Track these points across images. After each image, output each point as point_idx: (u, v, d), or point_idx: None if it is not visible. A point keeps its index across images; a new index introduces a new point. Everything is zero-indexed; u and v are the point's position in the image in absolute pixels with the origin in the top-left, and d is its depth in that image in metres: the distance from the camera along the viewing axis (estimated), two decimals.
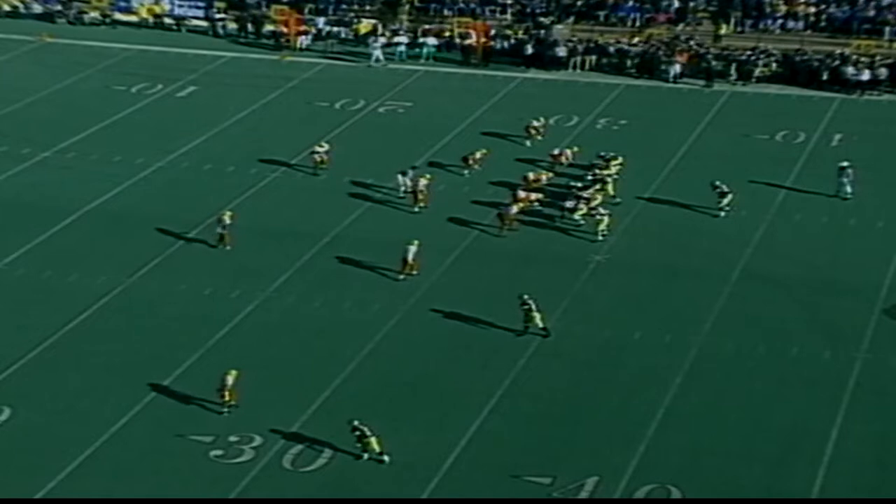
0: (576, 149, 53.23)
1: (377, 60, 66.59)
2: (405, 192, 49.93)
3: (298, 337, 40.84)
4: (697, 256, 45.44)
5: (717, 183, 48.52)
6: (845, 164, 49.85)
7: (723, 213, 47.90)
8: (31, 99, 61.96)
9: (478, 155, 52.45)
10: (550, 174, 51.15)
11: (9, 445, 35.53)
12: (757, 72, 62.85)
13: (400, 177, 50.22)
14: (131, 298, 43.29)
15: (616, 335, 40.50)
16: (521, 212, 47.70)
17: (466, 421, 36.10)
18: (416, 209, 48.89)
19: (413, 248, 43.82)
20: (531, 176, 50.37)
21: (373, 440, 34.33)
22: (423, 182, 49.35)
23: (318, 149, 52.70)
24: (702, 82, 62.93)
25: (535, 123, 55.63)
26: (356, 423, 34.55)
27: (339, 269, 44.62)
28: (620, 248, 46.09)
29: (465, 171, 52.01)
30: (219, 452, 34.96)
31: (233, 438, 35.42)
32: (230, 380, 36.55)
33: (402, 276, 43.75)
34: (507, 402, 37.18)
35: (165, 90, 63.32)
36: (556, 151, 52.78)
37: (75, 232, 48.19)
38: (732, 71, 63.14)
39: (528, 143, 55.15)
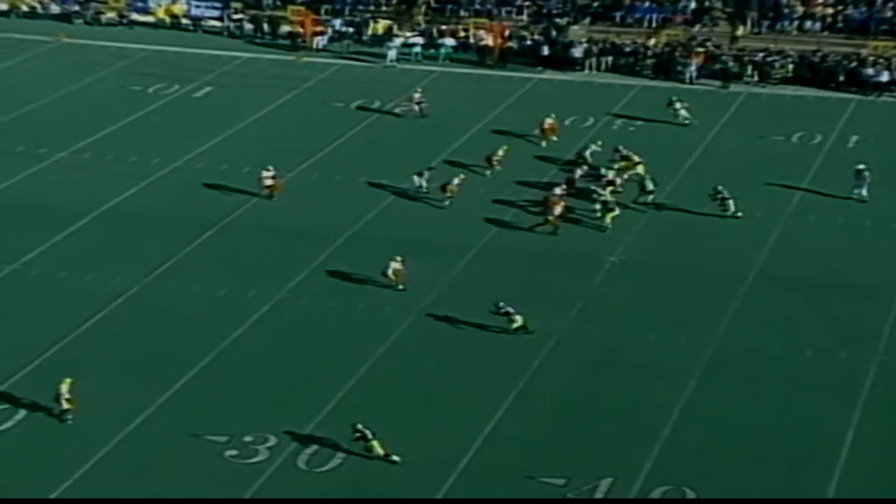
0: (600, 142, 53.25)
1: (391, 61, 66.63)
2: (421, 192, 49.99)
3: (313, 338, 40.87)
4: (712, 258, 45.37)
5: (719, 188, 48.22)
6: (862, 166, 49.70)
7: (728, 215, 47.59)
8: (47, 99, 62.07)
9: (500, 153, 52.43)
10: (585, 167, 51.35)
11: (24, 445, 35.61)
12: (776, 74, 62.73)
13: (416, 177, 50.26)
14: (146, 299, 43.36)
15: (630, 336, 40.46)
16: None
17: (480, 422, 36.09)
18: (447, 203, 49.09)
19: (394, 265, 43.35)
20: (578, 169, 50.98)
21: (374, 443, 34.36)
22: (455, 181, 49.53)
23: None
24: (718, 83, 62.88)
25: (549, 121, 55.54)
26: (359, 426, 34.61)
27: (354, 270, 44.59)
28: (635, 248, 46.05)
29: (488, 172, 52.02)
30: (233, 452, 34.98)
31: (247, 439, 35.44)
32: (64, 388, 36.34)
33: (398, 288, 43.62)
34: (522, 402, 37.17)
35: (182, 90, 63.43)
36: (578, 152, 52.77)
37: (91, 232, 48.28)
38: (750, 71, 63.10)
39: (543, 143, 55.13)
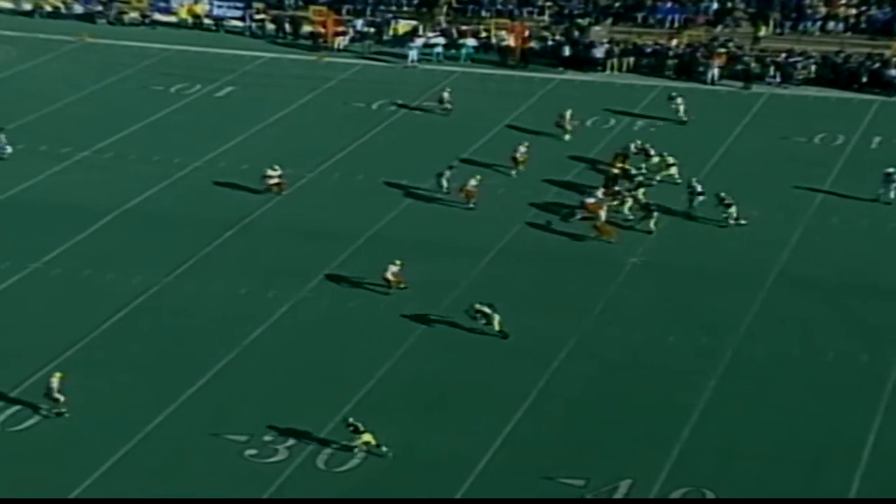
0: (639, 141, 53.15)
1: (413, 61, 66.66)
2: (443, 192, 49.98)
3: (333, 338, 40.90)
4: (733, 259, 45.27)
5: (723, 195, 47.83)
6: (891, 169, 49.36)
7: (732, 222, 47.27)
8: (70, 99, 62.26)
9: (522, 149, 52.27)
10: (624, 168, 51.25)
11: (45, 444, 35.72)
12: (798, 75, 62.52)
13: (437, 177, 50.26)
14: (167, 298, 43.44)
15: (650, 337, 40.39)
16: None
17: (500, 422, 36.06)
18: (472, 205, 48.94)
19: (393, 268, 43.24)
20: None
21: (366, 435, 34.47)
22: (472, 182, 49.33)
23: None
24: (740, 84, 62.72)
25: (567, 115, 55.59)
26: (350, 419, 34.80)
27: (374, 271, 44.53)
28: (655, 250, 45.95)
29: (513, 171, 51.97)
30: (253, 452, 35.04)
31: (267, 438, 35.51)
32: (55, 382, 36.42)
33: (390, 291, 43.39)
34: (541, 403, 37.14)
35: (203, 90, 63.55)
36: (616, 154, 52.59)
37: (112, 231, 48.39)
38: (772, 72, 62.93)
39: (566, 137, 55.11)
